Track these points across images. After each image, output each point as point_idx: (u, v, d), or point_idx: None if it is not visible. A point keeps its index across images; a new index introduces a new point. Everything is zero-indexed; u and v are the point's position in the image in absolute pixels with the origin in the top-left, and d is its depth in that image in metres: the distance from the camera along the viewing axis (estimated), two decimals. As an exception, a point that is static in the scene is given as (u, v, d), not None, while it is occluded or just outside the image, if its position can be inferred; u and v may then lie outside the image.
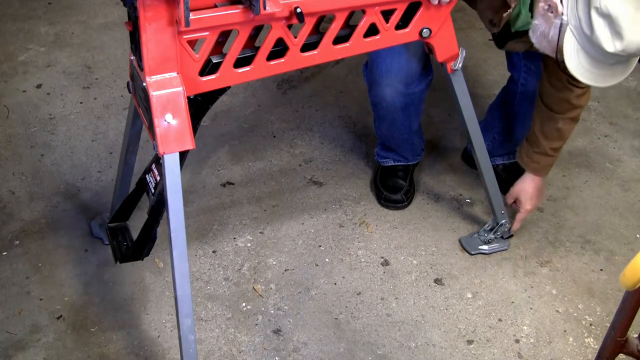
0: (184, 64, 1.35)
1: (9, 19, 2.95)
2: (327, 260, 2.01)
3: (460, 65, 1.68)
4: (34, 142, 2.34)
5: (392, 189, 2.18)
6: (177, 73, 1.33)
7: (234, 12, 1.32)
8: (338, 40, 1.49)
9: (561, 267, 2.02)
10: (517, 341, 1.82)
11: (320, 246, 2.05)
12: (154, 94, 1.31)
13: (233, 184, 2.24)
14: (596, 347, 1.79)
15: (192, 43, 1.37)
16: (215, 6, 1.32)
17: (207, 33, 1.33)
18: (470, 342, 1.81)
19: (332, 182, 2.26)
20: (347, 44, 1.51)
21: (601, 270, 2.02)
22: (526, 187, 1.98)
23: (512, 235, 2.06)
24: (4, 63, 2.70)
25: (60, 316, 1.82)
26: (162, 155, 1.35)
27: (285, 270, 1.97)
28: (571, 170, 2.35)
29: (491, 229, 2.04)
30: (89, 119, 2.45)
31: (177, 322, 1.48)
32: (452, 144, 2.43)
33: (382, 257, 2.02)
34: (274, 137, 2.43)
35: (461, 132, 2.36)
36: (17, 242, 2.00)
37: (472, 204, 2.21)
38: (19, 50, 2.77)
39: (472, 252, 2.04)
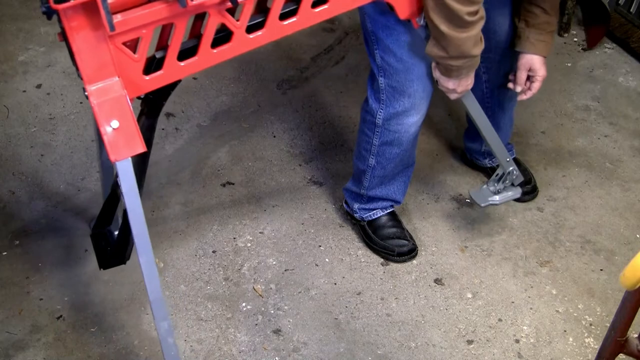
0: (125, 66, 1.29)
1: (9, 19, 2.95)
2: (327, 260, 2.01)
3: (424, 21, 1.56)
4: (34, 142, 2.34)
5: (397, 238, 2.02)
6: (118, 77, 1.29)
7: (160, 8, 1.25)
8: (285, 15, 1.41)
9: (561, 267, 2.02)
10: (517, 341, 1.82)
11: (320, 246, 2.05)
12: (95, 102, 1.27)
13: (233, 184, 2.24)
14: (596, 347, 1.79)
15: (135, 42, 1.30)
16: (148, 2, 1.25)
17: (144, 31, 1.27)
18: (470, 342, 1.81)
19: (332, 182, 2.26)
20: (295, 18, 1.42)
21: (601, 270, 2.02)
22: (534, 56, 1.84)
23: (522, 181, 1.97)
24: (4, 63, 2.70)
25: (60, 316, 1.82)
26: (114, 163, 1.29)
27: (285, 270, 1.97)
28: (571, 170, 2.35)
29: (499, 179, 1.95)
30: (89, 119, 2.45)
31: (155, 326, 1.45)
32: (452, 144, 2.42)
33: (382, 257, 2.02)
34: (274, 137, 2.43)
35: (460, 132, 2.35)
36: (17, 242, 2.00)
37: (472, 203, 2.20)
38: (19, 50, 2.77)
39: (483, 205, 1.94)
